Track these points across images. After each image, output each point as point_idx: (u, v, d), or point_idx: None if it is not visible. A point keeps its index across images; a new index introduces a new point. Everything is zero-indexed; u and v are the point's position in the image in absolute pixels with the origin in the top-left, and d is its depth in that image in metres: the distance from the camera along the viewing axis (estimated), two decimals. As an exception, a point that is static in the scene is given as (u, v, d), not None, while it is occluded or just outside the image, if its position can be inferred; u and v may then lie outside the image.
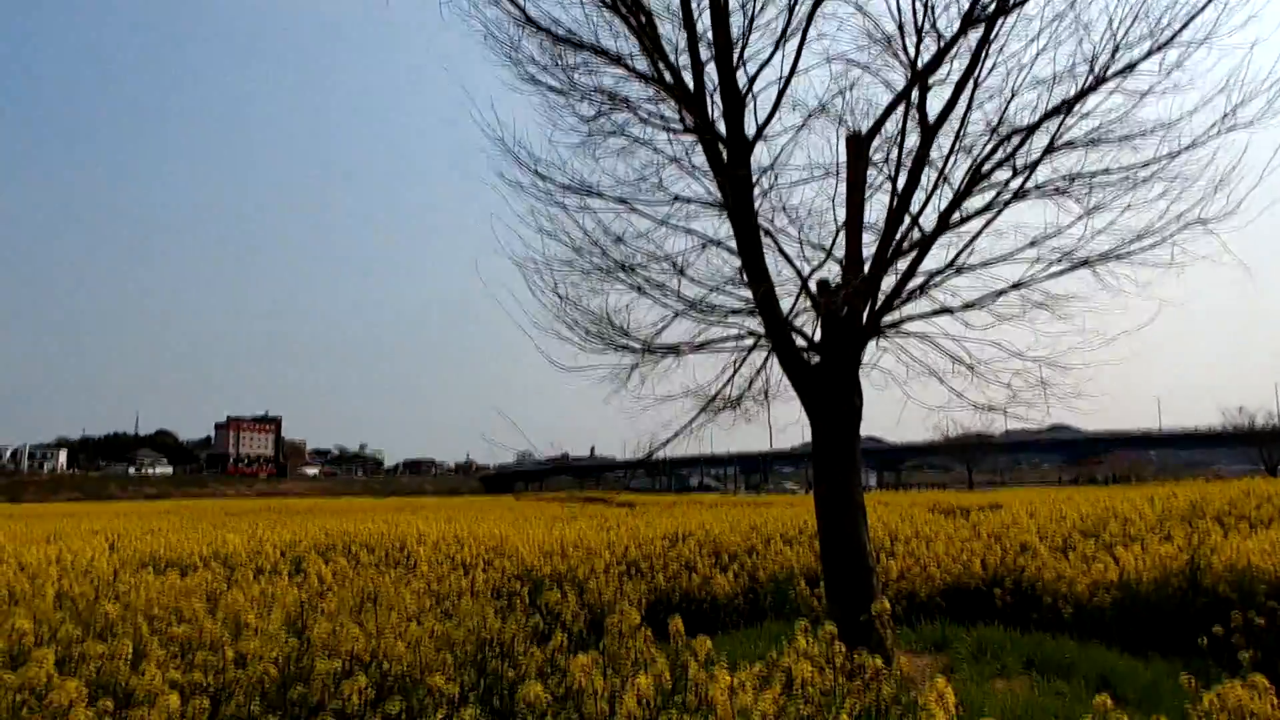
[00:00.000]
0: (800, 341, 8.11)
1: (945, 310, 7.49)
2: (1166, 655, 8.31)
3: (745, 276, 7.83)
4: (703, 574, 11.95)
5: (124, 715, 4.00)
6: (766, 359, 8.63)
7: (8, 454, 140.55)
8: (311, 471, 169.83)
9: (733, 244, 7.87)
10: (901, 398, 8.53)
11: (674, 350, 8.45)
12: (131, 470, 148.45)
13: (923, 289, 7.57)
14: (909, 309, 7.80)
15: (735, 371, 8.37)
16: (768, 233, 7.98)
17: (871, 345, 8.15)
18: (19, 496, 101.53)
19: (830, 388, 7.71)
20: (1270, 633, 7.17)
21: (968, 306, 7.52)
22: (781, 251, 8.07)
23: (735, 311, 8.32)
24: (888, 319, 7.67)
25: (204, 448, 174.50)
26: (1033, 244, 7.33)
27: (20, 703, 3.81)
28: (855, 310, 7.36)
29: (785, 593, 11.55)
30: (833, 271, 8.25)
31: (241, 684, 4.30)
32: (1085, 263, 7.18)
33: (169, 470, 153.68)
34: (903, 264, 7.61)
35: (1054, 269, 7.31)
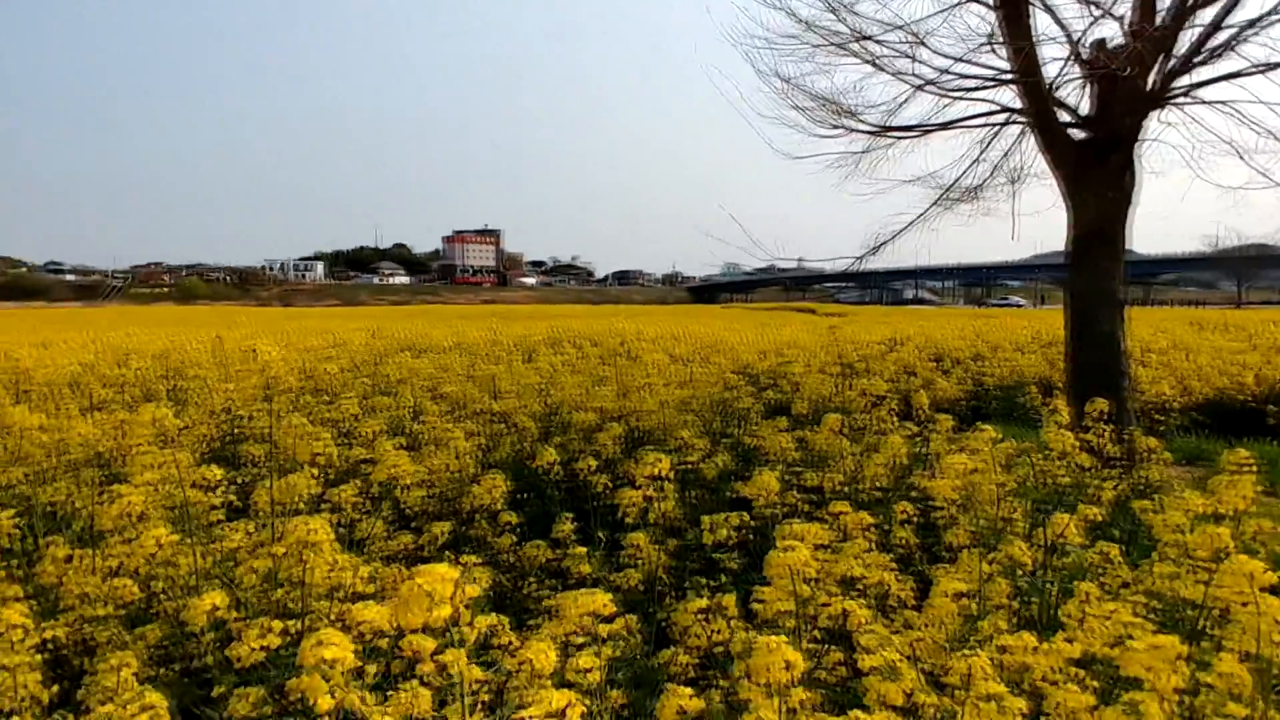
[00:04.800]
0: (1063, 116, 7.15)
1: (1269, 66, 6.17)
2: None
3: (1003, 37, 6.85)
4: (924, 377, 11.63)
5: (416, 454, 4.60)
6: (1018, 138, 7.74)
7: (277, 266, 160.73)
8: (530, 281, 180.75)
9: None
10: (1164, 194, 7.40)
11: (911, 131, 7.76)
12: (376, 280, 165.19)
13: (1231, 43, 6.28)
14: (1207, 70, 6.55)
15: (984, 151, 7.59)
16: (1033, -15, 6.86)
17: (1152, 119, 7.02)
18: (291, 302, 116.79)
19: (1098, 167, 6.80)
20: None
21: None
22: (1048, 8, 6.96)
23: (985, 84, 7.40)
24: (1180, 83, 6.50)
25: (434, 259, 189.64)
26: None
27: (338, 435, 4.47)
28: (1141, 72, 6.28)
29: (1013, 399, 11.08)
30: (1110, 31, 7.05)
31: (507, 435, 4.78)
32: None
33: (406, 280, 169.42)
34: (1208, 12, 6.32)
35: None
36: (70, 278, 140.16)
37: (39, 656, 1.98)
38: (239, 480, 3.65)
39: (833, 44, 7.70)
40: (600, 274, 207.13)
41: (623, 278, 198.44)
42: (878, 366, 12.16)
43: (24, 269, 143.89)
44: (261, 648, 1.96)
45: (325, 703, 1.08)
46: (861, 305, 79.00)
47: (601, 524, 3.66)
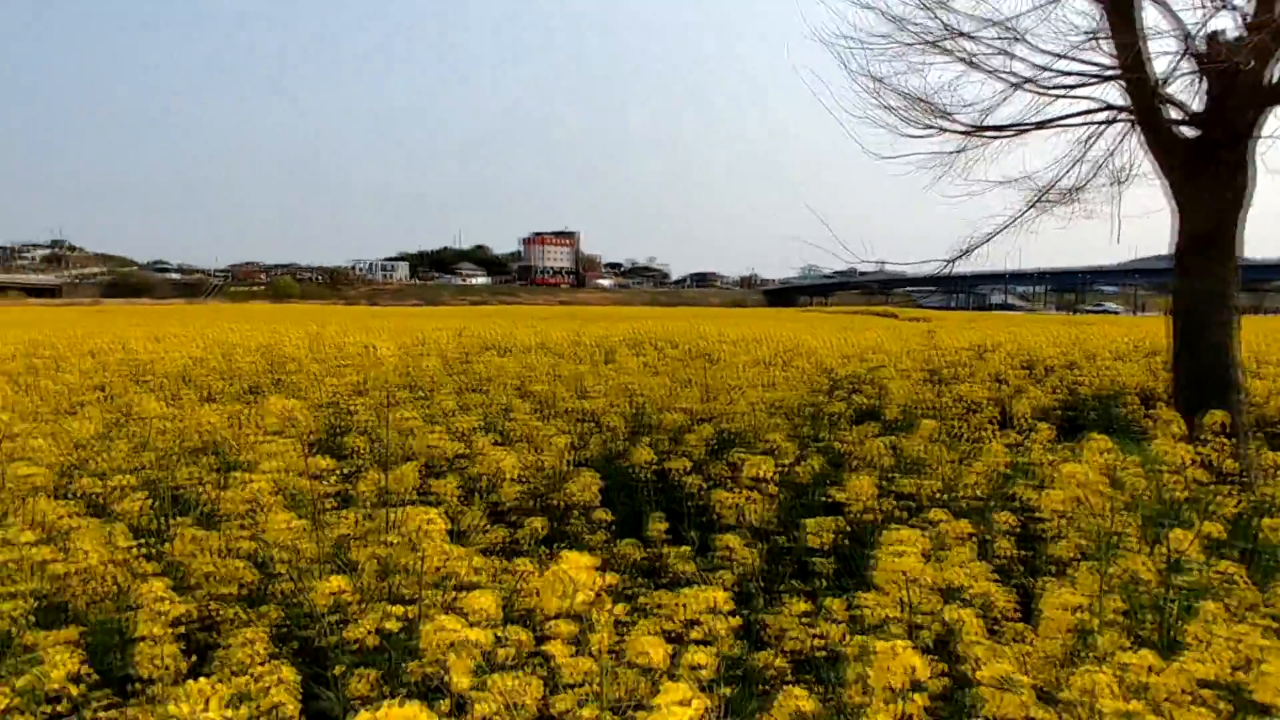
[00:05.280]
0: (1172, 113, 6.82)
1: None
2: None
3: (1108, 32, 6.58)
4: (1014, 385, 11.24)
5: (508, 451, 4.70)
6: (1122, 136, 7.42)
7: (364, 266, 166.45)
8: (605, 283, 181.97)
9: (1090, -5, 6.59)
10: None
11: (1007, 130, 7.53)
12: (457, 281, 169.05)
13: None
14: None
15: (1085, 151, 7.30)
16: (1141, -25, 6.57)
17: (1271, 114, 6.63)
18: (376, 301, 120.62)
19: (1210, 167, 6.46)
20: None
21: None
22: (1158, 0, 6.65)
23: (1087, 81, 7.13)
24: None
25: (513, 260, 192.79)
26: None
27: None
28: (1260, 65, 5.94)
29: (1110, 410, 10.65)
30: (1225, 23, 6.70)
31: (595, 434, 4.84)
32: None
33: (486, 280, 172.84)
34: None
35: None
36: (174, 276, 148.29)
37: (180, 628, 2.12)
38: (342, 471, 3.80)
39: (925, 42, 7.54)
40: (676, 275, 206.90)
41: (699, 280, 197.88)
42: (965, 373, 11.79)
43: (133, 268, 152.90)
44: (377, 630, 2.05)
45: (465, 681, 1.12)
46: (946, 310, 76.78)
47: (692, 524, 3.68)
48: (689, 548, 2.89)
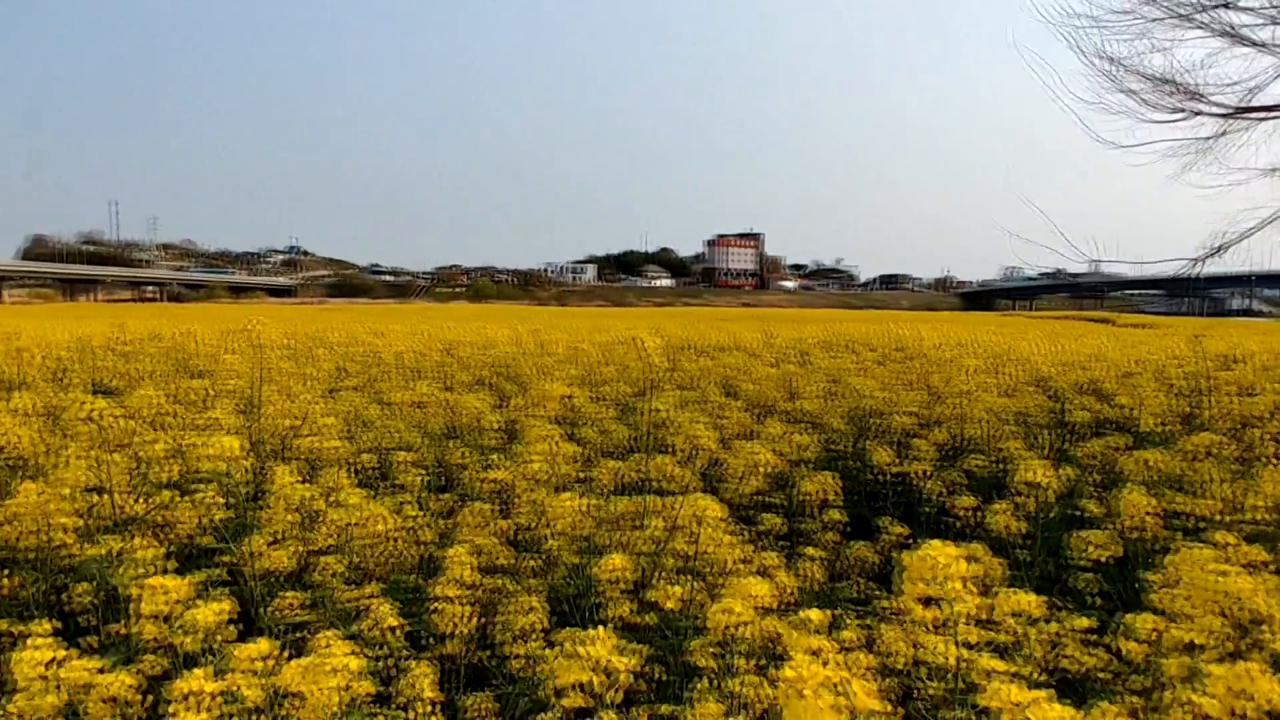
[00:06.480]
0: None
1: None
2: None
3: None
4: (1274, 399, 9.93)
5: (726, 448, 4.75)
6: None
7: (555, 268, 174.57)
8: (789, 285, 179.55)
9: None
10: None
11: (1278, 111, 6.69)
12: (641, 283, 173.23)
13: None
14: None
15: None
16: None
17: None
18: (565, 301, 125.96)
19: None
20: None
21: None
22: None
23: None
24: None
25: (696, 262, 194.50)
26: None
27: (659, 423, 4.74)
28: None
29: (1400, 431, 9.17)
30: None
31: (813, 434, 4.78)
32: None
33: (670, 282, 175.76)
34: None
35: None
36: (387, 278, 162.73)
37: (476, 591, 2.34)
38: (577, 458, 3.99)
39: (1178, 16, 6.88)
40: (864, 278, 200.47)
41: (888, 281, 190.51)
42: (1205, 385, 10.51)
43: (353, 270, 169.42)
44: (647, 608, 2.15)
45: (804, 658, 1.15)
46: (1173, 316, 68.93)
47: (925, 531, 3.55)
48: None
